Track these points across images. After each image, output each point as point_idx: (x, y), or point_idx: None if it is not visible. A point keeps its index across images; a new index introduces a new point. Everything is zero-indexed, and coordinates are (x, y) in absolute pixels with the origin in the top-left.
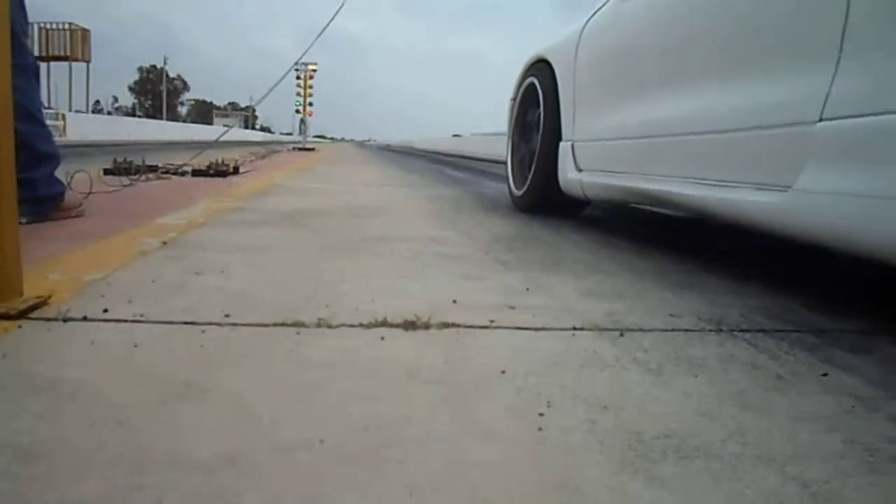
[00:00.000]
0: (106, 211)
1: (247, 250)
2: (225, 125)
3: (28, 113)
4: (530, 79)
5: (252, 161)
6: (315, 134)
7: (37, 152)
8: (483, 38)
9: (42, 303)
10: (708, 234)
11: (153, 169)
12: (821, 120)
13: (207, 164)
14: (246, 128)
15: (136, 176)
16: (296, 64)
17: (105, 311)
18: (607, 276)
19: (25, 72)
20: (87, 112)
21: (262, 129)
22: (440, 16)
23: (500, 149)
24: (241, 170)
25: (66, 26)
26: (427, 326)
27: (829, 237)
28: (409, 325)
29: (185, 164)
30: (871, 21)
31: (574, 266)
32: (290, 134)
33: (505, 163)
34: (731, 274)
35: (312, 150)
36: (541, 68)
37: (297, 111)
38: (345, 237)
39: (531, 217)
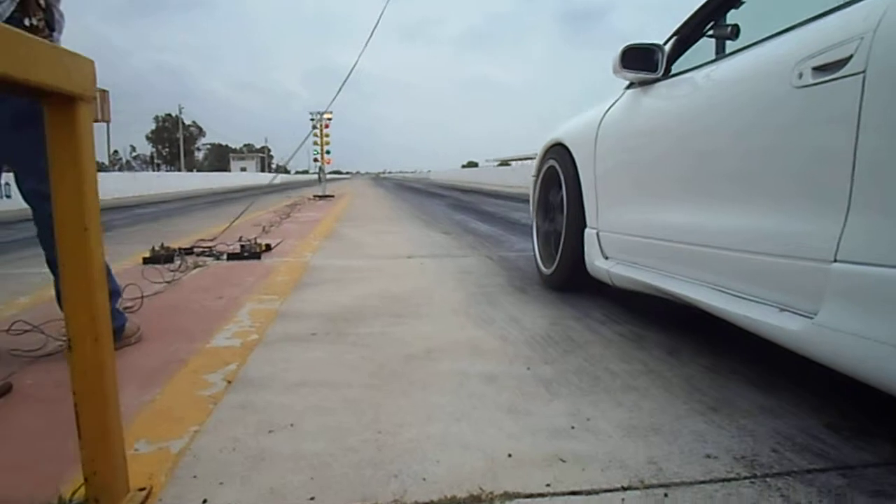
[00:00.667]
0: (159, 330)
1: (305, 386)
2: (243, 168)
3: None
4: (550, 162)
5: (278, 223)
6: (331, 170)
7: None
8: (486, 63)
9: (147, 495)
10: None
11: (189, 252)
12: (835, 261)
13: (239, 239)
14: (262, 170)
15: (177, 265)
16: (314, 126)
17: (204, 501)
18: (641, 396)
19: None
20: (105, 163)
21: (278, 168)
22: (442, 45)
23: (514, 179)
24: (272, 244)
25: None
26: (491, 500)
27: (852, 371)
28: (476, 502)
29: (218, 241)
30: (876, 177)
31: (611, 383)
32: (305, 172)
33: (531, 238)
34: (759, 382)
35: (332, 197)
36: (560, 153)
37: (315, 160)
38: (391, 357)
39: (561, 300)
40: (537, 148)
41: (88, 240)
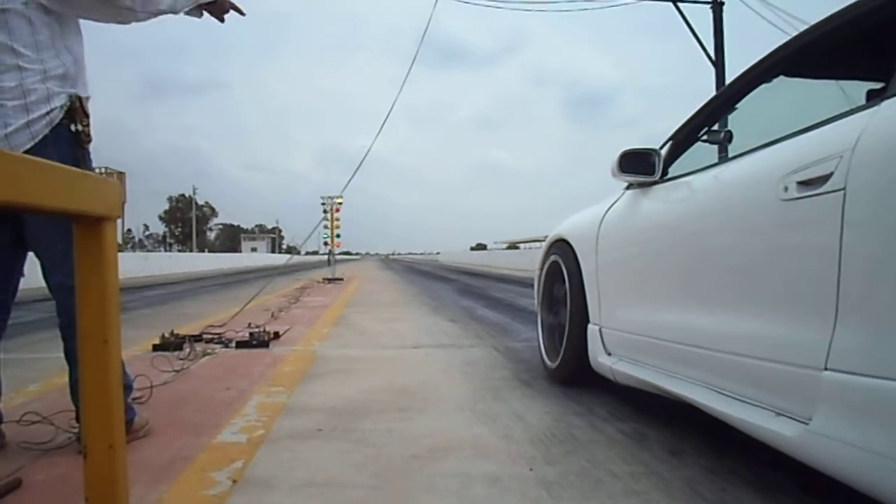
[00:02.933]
0: (167, 422)
1: (311, 487)
2: (253, 248)
3: None
4: (553, 256)
5: (287, 308)
6: (341, 251)
7: None
8: (494, 146)
9: None
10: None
11: (198, 339)
12: (826, 369)
13: (248, 325)
14: (273, 251)
15: (186, 353)
16: (325, 210)
17: None
18: (643, 502)
19: None
20: (119, 242)
21: (289, 249)
22: (451, 128)
23: (522, 262)
24: (280, 332)
25: (102, 170)
26: None
27: (847, 479)
28: None
29: (227, 328)
30: (860, 293)
31: (612, 487)
32: (315, 253)
33: (536, 331)
34: (758, 484)
35: (341, 280)
36: (563, 248)
37: (326, 243)
38: (396, 456)
39: (565, 395)
40: (545, 229)
41: (108, 352)
